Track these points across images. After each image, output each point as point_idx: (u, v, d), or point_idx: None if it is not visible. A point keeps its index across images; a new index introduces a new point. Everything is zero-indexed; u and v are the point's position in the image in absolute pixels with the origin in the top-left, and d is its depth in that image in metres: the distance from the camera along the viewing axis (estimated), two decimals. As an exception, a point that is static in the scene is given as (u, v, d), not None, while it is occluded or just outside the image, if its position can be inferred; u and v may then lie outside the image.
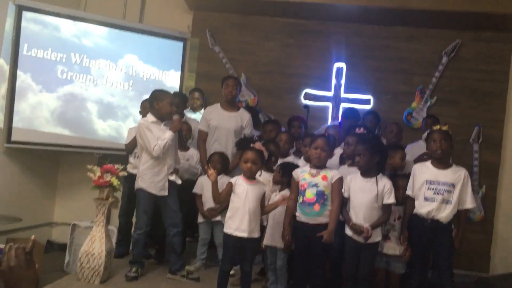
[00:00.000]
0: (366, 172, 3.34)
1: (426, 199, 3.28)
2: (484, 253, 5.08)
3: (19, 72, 4.74)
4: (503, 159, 5.21)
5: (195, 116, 5.06)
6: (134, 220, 4.38)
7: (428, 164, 3.40)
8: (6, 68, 4.68)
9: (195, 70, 5.60)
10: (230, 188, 3.30)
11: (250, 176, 3.28)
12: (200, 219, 4.23)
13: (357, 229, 3.24)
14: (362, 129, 3.82)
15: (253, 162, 3.23)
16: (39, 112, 4.88)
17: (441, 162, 3.32)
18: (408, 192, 3.42)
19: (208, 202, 4.16)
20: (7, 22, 4.63)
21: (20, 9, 4.72)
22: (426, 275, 3.41)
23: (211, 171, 3.24)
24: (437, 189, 3.26)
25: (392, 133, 4.56)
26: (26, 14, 4.75)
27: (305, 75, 5.48)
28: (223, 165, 4.22)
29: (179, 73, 5.49)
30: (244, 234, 3.20)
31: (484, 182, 5.10)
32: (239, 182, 3.29)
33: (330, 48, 5.44)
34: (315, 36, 5.50)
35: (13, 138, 4.72)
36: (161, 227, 4.08)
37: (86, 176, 3.79)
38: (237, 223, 3.22)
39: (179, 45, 5.49)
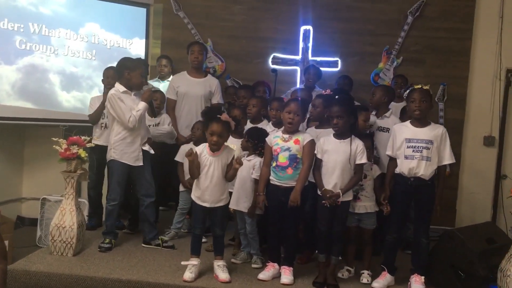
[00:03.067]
0: (341, 134, 3.33)
1: (406, 157, 3.29)
2: (450, 208, 5.23)
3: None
4: (467, 116, 5.31)
5: (164, 85, 4.97)
6: (104, 191, 4.40)
7: (407, 123, 3.41)
8: (-40, 40, 4.46)
9: (160, 37, 5.46)
10: (196, 159, 3.28)
11: (215, 149, 3.26)
12: (181, 188, 4.19)
13: (328, 195, 3.25)
14: (328, 91, 3.81)
15: (219, 135, 3.21)
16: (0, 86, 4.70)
17: (420, 121, 3.34)
18: (388, 152, 3.44)
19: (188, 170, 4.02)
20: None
21: (-30, -24, 4.47)
22: (402, 232, 3.48)
23: (191, 153, 3.21)
24: (416, 146, 3.27)
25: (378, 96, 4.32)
26: (-23, -19, 4.51)
27: (272, 38, 5.41)
28: (204, 134, 4.10)
29: (143, 41, 5.36)
30: (206, 204, 3.27)
31: (450, 139, 5.17)
32: (204, 153, 3.29)
33: (297, 10, 5.35)
34: (282, -2, 5.42)
35: None
36: (134, 196, 4.05)
37: (53, 149, 3.69)
38: (200, 193, 3.27)
39: (142, 11, 5.33)
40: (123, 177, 3.80)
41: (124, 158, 3.76)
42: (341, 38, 5.37)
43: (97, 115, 4.30)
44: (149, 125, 4.15)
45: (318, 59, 5.36)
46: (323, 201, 3.26)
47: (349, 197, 3.34)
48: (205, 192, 3.25)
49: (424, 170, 3.25)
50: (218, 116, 3.26)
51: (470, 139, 5.31)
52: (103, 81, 4.46)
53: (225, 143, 3.33)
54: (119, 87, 3.76)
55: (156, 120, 4.31)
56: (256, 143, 3.59)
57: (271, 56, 5.40)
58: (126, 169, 3.78)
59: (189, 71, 4.55)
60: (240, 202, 3.61)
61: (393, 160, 3.42)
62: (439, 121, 5.22)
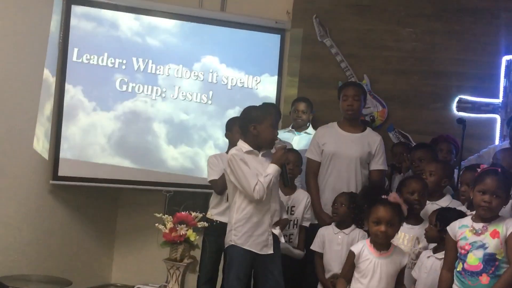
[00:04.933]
0: None
1: None
2: None
3: (67, 86, 5.15)
4: None
5: (299, 138, 5.14)
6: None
7: None
8: (52, 80, 5.10)
9: (298, 73, 5.69)
10: (352, 261, 3.32)
11: (383, 244, 3.30)
12: None
13: None
14: None
15: (388, 223, 3.24)
16: (92, 138, 5.26)
17: None
18: None
19: (332, 264, 4.15)
20: (52, 21, 5.04)
21: (68, 3, 5.15)
22: None
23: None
24: None
25: None
26: (76, 9, 5.19)
27: (458, 74, 5.43)
28: (353, 211, 4.18)
29: (275, 78, 5.64)
30: None
31: None
32: (365, 253, 3.30)
33: (496, 33, 5.36)
34: (474, 16, 5.43)
35: (61, 172, 5.11)
36: None
37: (152, 222, 3.93)
38: None
39: (276, 39, 5.68)
40: (244, 271, 3.90)
41: (248, 243, 3.87)
42: None
43: (224, 182, 4.24)
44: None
45: None
46: None
47: None
48: None
49: None
50: (384, 197, 3.32)
51: None
52: (227, 135, 4.66)
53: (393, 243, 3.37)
54: (242, 146, 3.94)
55: (290, 200, 4.46)
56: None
57: (456, 99, 5.39)
58: (250, 259, 3.89)
59: (340, 123, 4.65)
60: None
61: None
62: None
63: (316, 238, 4.32)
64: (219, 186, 4.44)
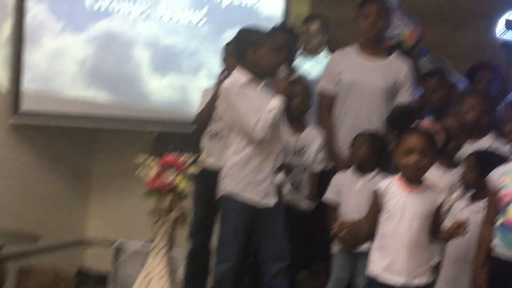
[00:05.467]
0: None
1: None
2: None
3: (29, 2, 4.85)
4: None
5: (311, 65, 5.05)
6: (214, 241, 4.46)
7: None
8: (10, -5, 4.85)
9: None
10: (376, 201, 3.28)
11: (414, 178, 3.22)
12: (335, 248, 4.19)
13: None
14: None
15: (422, 152, 3.15)
16: (61, 65, 5.01)
17: None
18: None
19: (350, 217, 4.05)
20: None
21: None
22: None
23: None
24: None
25: None
26: None
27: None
28: (376, 154, 4.14)
29: None
30: (400, 279, 3.18)
31: None
32: (392, 190, 3.25)
33: None
34: None
35: (23, 107, 4.88)
36: (255, 255, 4.17)
37: (134, 167, 3.87)
38: (389, 259, 3.21)
39: None
40: (242, 224, 3.90)
41: (247, 192, 3.83)
42: None
43: (205, 115, 4.38)
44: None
45: None
46: None
47: None
48: (397, 258, 3.18)
49: None
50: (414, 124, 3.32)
51: None
52: (225, 60, 4.54)
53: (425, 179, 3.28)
54: (239, 75, 3.90)
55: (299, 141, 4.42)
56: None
57: (503, 18, 5.21)
58: (248, 211, 3.88)
59: (360, 46, 4.57)
60: (462, 285, 3.55)
61: None
62: None
63: (331, 185, 4.30)
64: (199, 119, 4.48)
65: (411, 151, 3.17)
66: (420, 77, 4.88)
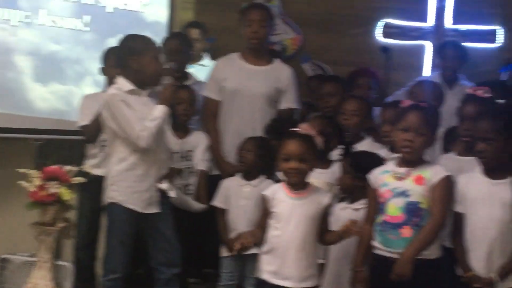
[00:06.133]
0: (494, 169, 3.31)
1: None
2: None
3: None
4: None
5: (193, 71, 5.05)
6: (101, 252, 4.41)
7: None
8: None
9: None
10: (265, 206, 3.32)
11: (297, 183, 3.27)
12: (223, 252, 4.21)
13: (476, 284, 3.24)
14: (481, 91, 3.75)
15: (301, 158, 3.21)
16: None
17: None
18: None
19: (237, 222, 4.13)
20: None
21: None
22: None
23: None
24: None
25: None
26: None
27: (383, -6, 5.51)
28: (262, 159, 4.14)
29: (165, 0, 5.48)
30: (288, 283, 3.22)
31: None
32: (278, 196, 3.29)
33: None
34: None
35: None
36: (145, 265, 4.11)
37: (18, 178, 3.81)
38: (277, 264, 3.25)
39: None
40: (128, 233, 3.86)
41: (131, 200, 3.80)
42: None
43: (96, 127, 4.24)
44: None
45: (463, 28, 5.36)
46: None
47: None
48: (284, 262, 3.23)
49: None
50: (293, 129, 3.28)
51: None
52: (103, 70, 4.52)
53: (311, 179, 3.35)
54: (122, 84, 3.85)
55: (185, 145, 4.41)
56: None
57: (381, 24, 5.44)
58: (136, 219, 3.84)
59: (243, 53, 4.59)
60: (344, 282, 3.58)
61: None
62: None
63: (218, 191, 4.28)
64: (90, 132, 4.36)
65: (290, 157, 3.21)
66: (303, 82, 5.00)
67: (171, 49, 4.55)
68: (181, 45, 4.66)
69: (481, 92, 3.73)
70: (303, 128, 3.28)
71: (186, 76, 4.70)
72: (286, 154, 3.22)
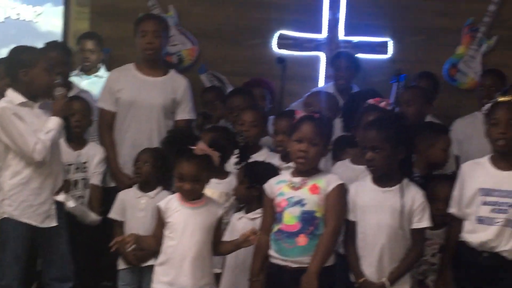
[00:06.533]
0: (383, 177, 3.37)
1: (480, 220, 3.33)
2: None
3: None
4: None
5: (89, 82, 5.02)
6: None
7: (484, 161, 3.43)
8: None
9: (90, 2, 5.51)
10: (160, 217, 3.33)
11: (190, 199, 3.31)
12: (121, 264, 4.17)
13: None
14: (385, 103, 3.81)
15: (195, 179, 3.25)
16: None
17: (507, 158, 3.36)
18: (453, 209, 3.47)
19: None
20: None
21: None
22: None
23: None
24: (498, 203, 3.30)
25: (414, 95, 4.48)
26: None
27: (279, 5, 5.49)
28: (159, 171, 4.15)
29: (61, 9, 5.43)
30: None
31: None
32: (173, 206, 3.30)
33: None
34: None
35: None
36: (37, 277, 4.10)
37: None
38: (173, 274, 3.25)
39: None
40: (24, 248, 3.80)
41: (27, 214, 3.76)
42: (394, 4, 5.45)
43: None
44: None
45: (355, 39, 5.45)
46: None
47: (404, 286, 3.34)
48: (180, 272, 3.24)
49: (508, 243, 3.28)
50: (190, 147, 3.27)
51: None
52: None
53: (208, 190, 3.40)
54: (13, 97, 3.79)
55: (80, 156, 4.35)
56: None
57: (277, 35, 5.46)
58: (30, 234, 3.80)
59: (138, 64, 4.59)
60: None
61: (458, 222, 3.44)
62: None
63: (115, 204, 4.25)
64: None
65: (184, 177, 3.22)
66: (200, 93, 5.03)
67: (53, 61, 4.37)
68: (62, 55, 4.59)
69: (384, 104, 3.78)
70: (199, 148, 3.27)
71: (70, 86, 4.60)
72: (181, 174, 3.24)
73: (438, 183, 3.60)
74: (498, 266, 3.30)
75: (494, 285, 3.34)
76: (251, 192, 3.64)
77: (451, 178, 3.60)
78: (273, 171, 3.63)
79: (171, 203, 3.32)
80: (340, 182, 3.34)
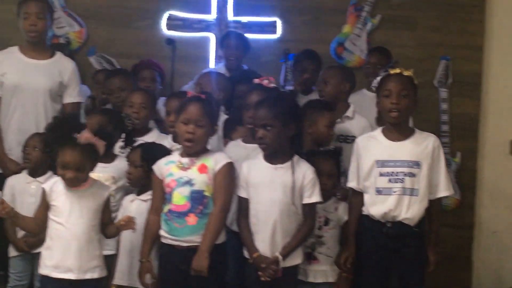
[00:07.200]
0: (275, 155, 3.44)
1: (379, 191, 3.46)
2: (463, 258, 5.45)
3: None
4: (485, 109, 5.51)
5: None
6: None
7: (377, 134, 3.56)
8: None
9: None
10: (43, 200, 3.30)
11: (74, 185, 3.30)
12: (12, 252, 4.13)
13: (262, 264, 3.34)
14: (267, 81, 3.87)
15: (77, 168, 3.23)
16: None
17: (398, 129, 3.49)
18: (352, 183, 3.59)
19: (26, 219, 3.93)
20: None
21: None
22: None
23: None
24: (393, 173, 3.43)
25: (331, 74, 4.53)
26: None
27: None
28: (49, 155, 3.96)
29: None
30: (70, 275, 3.23)
31: (458, 146, 5.38)
32: (58, 189, 3.29)
33: None
34: None
35: None
36: None
37: None
38: (59, 257, 3.24)
39: None
40: None
41: None
42: (282, -15, 5.50)
43: None
44: None
45: (244, 19, 5.48)
46: (258, 272, 3.33)
47: (297, 259, 3.44)
48: (66, 254, 3.23)
49: (410, 210, 3.41)
50: (73, 136, 3.25)
51: (490, 145, 5.48)
52: None
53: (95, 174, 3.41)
54: None
55: None
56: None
57: (166, 16, 5.45)
58: None
59: (22, 47, 4.51)
60: (135, 273, 3.56)
61: (358, 196, 3.57)
62: (441, 117, 5.40)
63: (4, 189, 4.18)
64: None
65: (67, 166, 3.21)
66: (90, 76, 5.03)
67: None
68: None
69: (267, 82, 3.84)
70: (84, 137, 3.25)
71: None
72: (64, 162, 3.23)
73: (321, 159, 3.66)
74: (402, 234, 3.43)
75: (399, 254, 3.44)
76: (143, 174, 3.65)
77: (334, 153, 3.74)
78: (166, 153, 3.64)
79: (56, 186, 3.30)
80: (228, 160, 3.40)
